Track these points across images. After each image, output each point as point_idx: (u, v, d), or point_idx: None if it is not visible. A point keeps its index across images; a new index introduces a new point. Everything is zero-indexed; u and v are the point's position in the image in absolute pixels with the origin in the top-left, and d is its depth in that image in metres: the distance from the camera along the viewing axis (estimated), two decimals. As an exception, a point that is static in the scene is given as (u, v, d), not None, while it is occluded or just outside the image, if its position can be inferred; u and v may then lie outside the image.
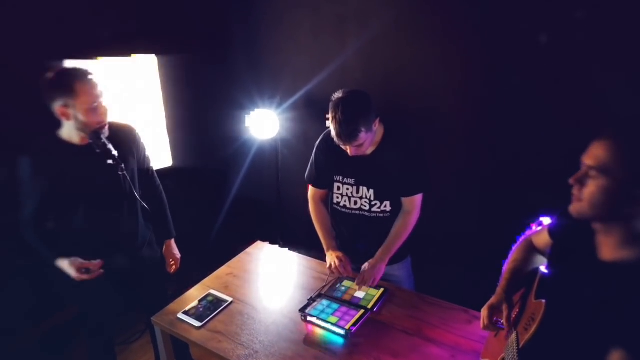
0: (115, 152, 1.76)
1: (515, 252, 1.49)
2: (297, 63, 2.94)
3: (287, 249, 2.37)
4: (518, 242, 1.52)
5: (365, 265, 1.89)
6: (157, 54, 2.73)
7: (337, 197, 1.99)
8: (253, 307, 1.86)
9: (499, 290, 1.40)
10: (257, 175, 3.36)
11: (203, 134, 3.30)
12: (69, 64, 1.91)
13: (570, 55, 2.06)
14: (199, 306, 1.86)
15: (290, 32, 2.89)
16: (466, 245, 2.55)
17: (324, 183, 2.03)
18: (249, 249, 2.34)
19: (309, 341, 1.67)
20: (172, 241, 2.23)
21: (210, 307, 1.86)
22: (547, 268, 1.40)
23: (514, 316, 1.35)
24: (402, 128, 1.87)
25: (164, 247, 2.21)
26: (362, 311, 1.79)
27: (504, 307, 1.34)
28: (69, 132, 1.74)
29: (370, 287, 1.90)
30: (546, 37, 2.09)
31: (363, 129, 1.65)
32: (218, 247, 3.46)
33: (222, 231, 3.42)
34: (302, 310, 1.79)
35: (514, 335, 1.25)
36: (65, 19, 2.31)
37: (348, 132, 1.65)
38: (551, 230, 1.36)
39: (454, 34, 2.34)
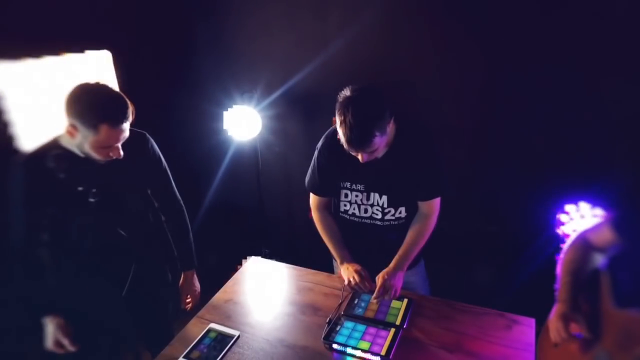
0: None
1: (571, 252, 1.33)
2: (274, 53, 2.65)
3: (274, 260, 2.11)
4: (572, 241, 1.36)
5: (383, 275, 1.67)
6: (111, 50, 2.35)
7: (345, 205, 1.75)
8: (266, 341, 1.61)
9: (564, 296, 1.23)
10: (235, 178, 3.07)
11: (172, 134, 2.94)
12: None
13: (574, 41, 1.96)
14: (202, 346, 1.58)
15: (263, 16, 2.59)
16: (476, 243, 2.42)
17: (329, 190, 1.79)
18: (244, 267, 2.07)
19: (341, 375, 1.45)
20: (193, 273, 1.92)
21: (216, 345, 1.58)
22: (612, 267, 1.25)
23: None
24: (416, 125, 1.65)
25: (182, 279, 1.90)
26: (393, 330, 1.58)
27: (579, 317, 1.17)
28: (66, 140, 1.44)
29: (392, 298, 1.69)
30: (541, 24, 1.98)
31: (377, 133, 1.42)
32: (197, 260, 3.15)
33: (197, 242, 3.10)
34: (326, 338, 1.55)
35: (603, 354, 1.09)
36: (9, 12, 1.93)
37: (360, 137, 1.41)
38: (616, 225, 1.20)
39: (451, 18, 2.16)
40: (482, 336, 1.57)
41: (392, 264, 1.70)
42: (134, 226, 1.65)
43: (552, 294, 2.24)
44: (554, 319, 1.22)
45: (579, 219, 1.91)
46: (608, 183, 1.86)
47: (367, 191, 1.69)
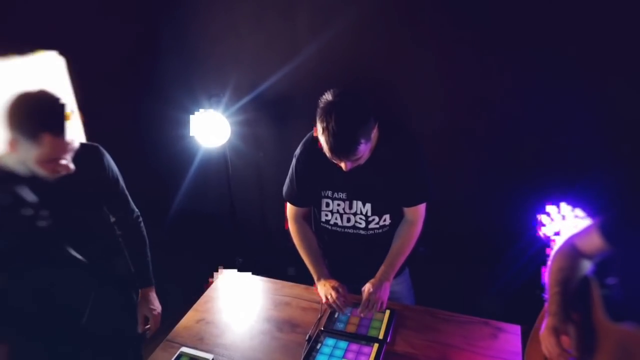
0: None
1: (558, 260, 1.28)
2: (242, 55, 2.54)
3: (250, 273, 2.00)
4: (559, 248, 1.31)
5: (368, 287, 1.60)
6: (65, 54, 2.19)
7: (326, 215, 1.66)
8: (243, 363, 1.50)
9: (555, 308, 1.18)
10: (204, 186, 2.94)
11: (136, 142, 2.79)
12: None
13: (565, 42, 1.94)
14: (173, 373, 1.46)
15: (230, 17, 2.48)
16: (458, 245, 2.38)
17: (308, 200, 1.70)
18: (216, 283, 1.95)
19: (324, 397, 1.36)
20: (151, 291, 1.70)
21: (188, 372, 1.47)
22: (600, 275, 1.21)
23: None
24: (398, 128, 1.58)
25: (139, 297, 1.68)
26: (376, 345, 1.50)
27: (572, 331, 1.12)
28: (7, 158, 1.28)
29: (378, 311, 1.61)
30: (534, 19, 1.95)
31: (363, 141, 1.34)
32: (165, 275, 3.00)
33: (165, 255, 2.95)
34: (306, 359, 1.46)
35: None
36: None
37: (345, 145, 1.33)
38: (606, 231, 1.16)
39: (428, 11, 2.11)
40: (468, 347, 1.51)
41: (377, 275, 1.63)
42: (91, 248, 1.50)
43: (535, 297, 2.24)
44: (545, 334, 1.17)
45: (560, 220, 1.89)
46: (591, 184, 1.85)
47: (350, 199, 1.61)
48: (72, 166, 1.29)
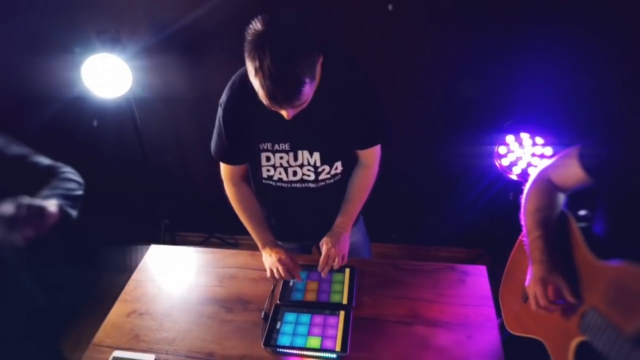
0: None
1: (534, 198, 1.15)
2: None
3: (180, 232, 1.73)
4: (532, 183, 1.18)
5: (326, 241, 1.39)
6: None
7: (268, 170, 1.40)
8: (194, 359, 1.28)
9: (538, 255, 1.07)
10: (112, 148, 2.49)
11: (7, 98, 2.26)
12: None
13: None
14: (107, 386, 1.21)
15: None
16: (412, 185, 2.26)
17: (243, 156, 1.42)
18: (143, 262, 1.65)
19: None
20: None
21: (126, 382, 1.22)
22: (574, 208, 1.12)
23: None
24: (346, 60, 1.31)
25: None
26: (342, 313, 1.35)
27: (561, 280, 1.02)
28: None
29: (340, 266, 1.43)
30: None
31: (307, 80, 1.05)
32: (79, 258, 2.63)
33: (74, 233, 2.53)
34: (267, 343, 1.27)
35: (594, 314, 0.95)
36: None
37: (286, 90, 1.04)
38: (587, 163, 1.03)
39: None
40: (437, 298, 1.41)
41: (334, 227, 1.43)
42: None
43: (497, 227, 2.22)
44: (532, 285, 1.07)
45: (518, 149, 1.79)
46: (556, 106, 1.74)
47: (294, 150, 1.35)
48: None
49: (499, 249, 2.33)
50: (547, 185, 1.16)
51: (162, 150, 2.54)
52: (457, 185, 2.24)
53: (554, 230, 1.11)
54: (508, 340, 1.28)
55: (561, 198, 1.16)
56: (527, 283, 1.09)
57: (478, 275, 1.48)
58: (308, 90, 1.09)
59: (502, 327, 1.34)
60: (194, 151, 2.54)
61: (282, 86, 1.03)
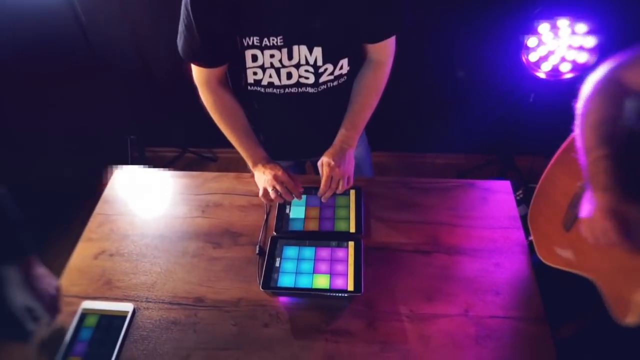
0: None
1: (598, 105, 0.90)
2: None
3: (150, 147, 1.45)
4: (595, 85, 0.92)
5: (327, 160, 1.14)
6: None
7: (255, 73, 1.09)
8: (178, 307, 1.09)
9: (605, 180, 0.85)
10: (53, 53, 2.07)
11: None
12: None
13: None
14: (80, 346, 1.01)
15: None
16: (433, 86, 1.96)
17: (221, 55, 1.09)
18: (108, 190, 1.39)
19: (296, 326, 1.03)
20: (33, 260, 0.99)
21: (102, 337, 1.03)
22: None
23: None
24: None
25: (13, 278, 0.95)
26: (351, 244, 1.15)
27: (635, 211, 0.82)
28: None
29: (346, 189, 1.20)
30: None
31: None
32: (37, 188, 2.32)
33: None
34: (266, 285, 1.08)
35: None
36: None
37: None
38: None
39: None
40: (459, 221, 1.22)
41: (337, 142, 1.18)
42: None
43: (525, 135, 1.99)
44: (597, 217, 0.86)
45: (552, 40, 1.49)
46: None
47: (289, 45, 1.03)
48: None
49: (507, 155, 2.14)
50: (616, 89, 0.90)
51: (116, 52, 2.13)
52: (470, 86, 1.96)
53: (624, 149, 0.88)
54: (539, 268, 1.13)
55: (635, 108, 0.91)
56: (584, 214, 0.89)
57: (503, 192, 1.29)
58: None
59: (531, 249, 1.18)
60: (156, 50, 2.15)
61: None
